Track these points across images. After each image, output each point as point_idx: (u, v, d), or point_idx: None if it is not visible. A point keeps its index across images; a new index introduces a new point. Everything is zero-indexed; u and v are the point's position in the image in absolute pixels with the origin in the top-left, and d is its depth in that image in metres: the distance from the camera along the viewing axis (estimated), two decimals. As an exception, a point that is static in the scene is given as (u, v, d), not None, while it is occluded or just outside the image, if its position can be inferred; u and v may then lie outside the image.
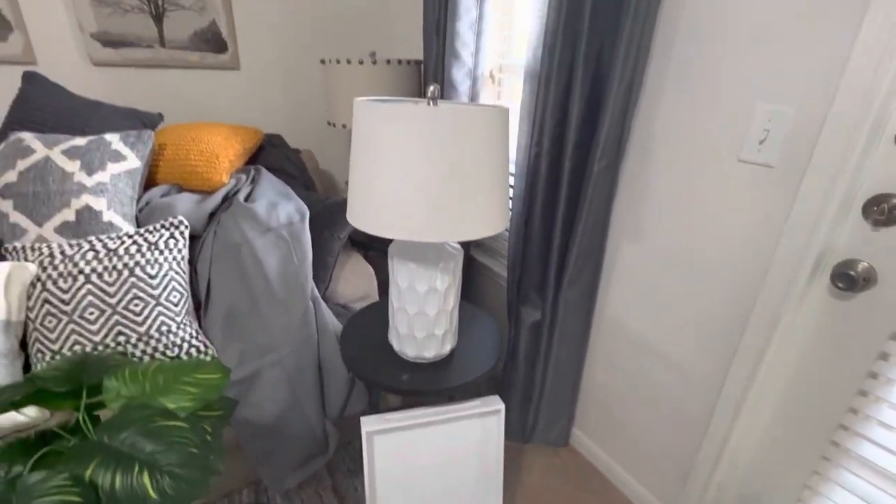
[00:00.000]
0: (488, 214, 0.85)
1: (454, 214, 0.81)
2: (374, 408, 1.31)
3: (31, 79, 1.33)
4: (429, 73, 1.58)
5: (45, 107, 1.29)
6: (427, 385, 0.98)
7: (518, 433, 1.50)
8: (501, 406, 1.05)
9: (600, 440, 1.41)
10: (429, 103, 0.88)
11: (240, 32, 1.76)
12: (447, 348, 1.05)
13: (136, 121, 1.40)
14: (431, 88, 0.86)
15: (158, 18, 1.60)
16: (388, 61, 1.59)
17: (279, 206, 1.26)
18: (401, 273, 0.95)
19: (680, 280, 1.06)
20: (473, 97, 1.49)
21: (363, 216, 0.85)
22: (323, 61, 1.68)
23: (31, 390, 0.53)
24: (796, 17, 0.77)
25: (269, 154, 1.66)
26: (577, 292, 1.21)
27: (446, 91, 1.45)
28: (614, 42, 0.96)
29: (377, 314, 1.24)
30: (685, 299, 1.06)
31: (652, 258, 1.11)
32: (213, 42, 1.71)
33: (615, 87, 0.96)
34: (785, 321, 0.88)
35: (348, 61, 1.58)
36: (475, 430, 1.07)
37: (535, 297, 1.33)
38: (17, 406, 0.53)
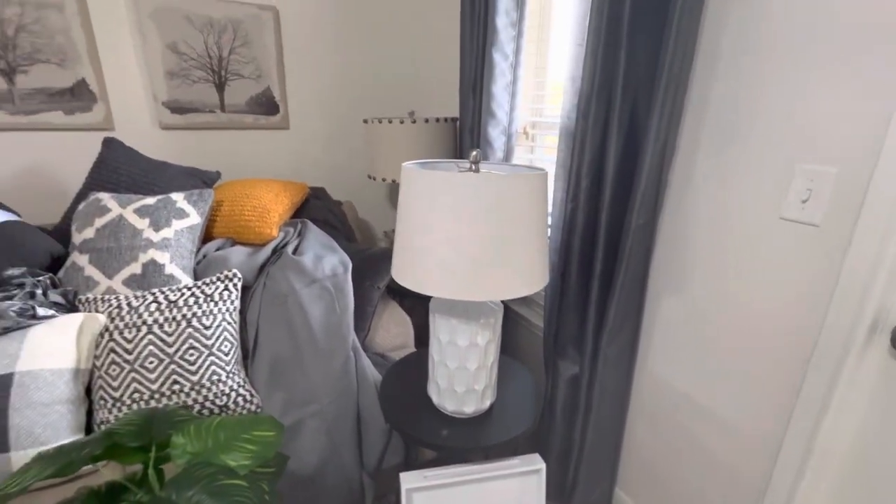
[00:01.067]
0: (528, 274, 0.87)
1: (496, 274, 0.84)
2: (412, 460, 1.30)
3: (109, 144, 1.49)
4: (465, 130, 1.66)
5: (121, 168, 1.44)
6: (467, 442, 0.98)
7: (557, 493, 1.44)
8: (542, 465, 1.02)
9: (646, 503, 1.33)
10: (471, 167, 0.93)
11: (290, 96, 1.92)
12: (486, 403, 1.05)
13: (197, 179, 1.53)
14: (474, 154, 0.92)
15: (221, 87, 1.77)
16: (427, 120, 1.69)
17: (324, 258, 1.33)
18: (442, 328, 0.98)
19: (725, 337, 1.03)
20: (508, 153, 1.55)
21: (408, 274, 0.89)
22: (365, 121, 1.80)
23: (108, 444, 0.57)
24: (835, 77, 0.79)
25: (313, 206, 1.75)
26: (618, 347, 1.19)
27: (482, 147, 1.52)
28: (649, 105, 1.00)
29: (415, 365, 1.26)
30: (732, 357, 1.03)
31: (694, 314, 1.09)
32: (266, 105, 1.87)
33: (650, 148, 0.99)
34: (843, 383, 0.84)
35: (389, 121, 1.68)
36: (515, 489, 1.04)
37: (572, 351, 1.32)
38: (96, 460, 0.57)
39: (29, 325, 1.00)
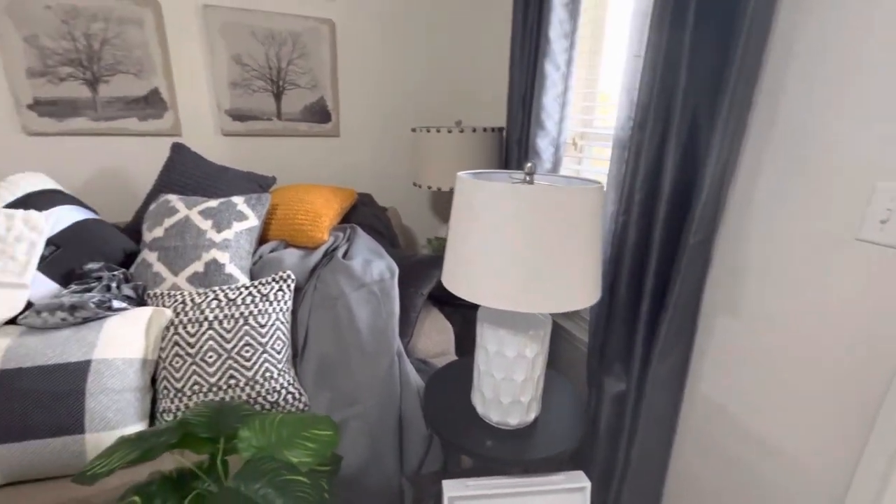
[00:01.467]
0: (582, 288, 0.86)
1: (548, 287, 0.84)
2: (450, 467, 1.30)
3: (177, 149, 1.59)
4: (512, 140, 1.67)
5: (187, 172, 1.53)
6: (511, 454, 0.97)
7: (597, 512, 1.40)
8: (587, 483, 1.00)
9: (692, 532, 1.27)
10: (525, 179, 0.94)
11: (342, 105, 1.99)
12: (531, 416, 1.04)
13: (254, 183, 1.61)
14: (529, 165, 0.92)
15: (278, 96, 1.86)
16: (474, 130, 1.70)
17: (372, 263, 1.36)
18: (490, 338, 0.98)
19: (786, 363, 0.98)
20: (556, 163, 1.54)
21: (459, 282, 0.90)
22: (414, 129, 1.84)
23: (182, 434, 0.61)
24: (918, 100, 0.75)
25: (360, 212, 1.80)
26: (668, 367, 1.15)
27: (530, 157, 1.52)
28: (711, 121, 0.98)
29: (458, 373, 1.26)
30: (794, 384, 0.97)
31: (752, 337, 1.05)
32: (319, 114, 1.95)
33: (711, 164, 0.96)
34: (924, 422, 0.78)
35: (437, 130, 1.71)
36: (557, 506, 1.02)
37: (619, 368, 1.29)
38: (172, 447, 0.61)
39: (105, 317, 1.08)
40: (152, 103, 1.68)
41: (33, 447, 0.94)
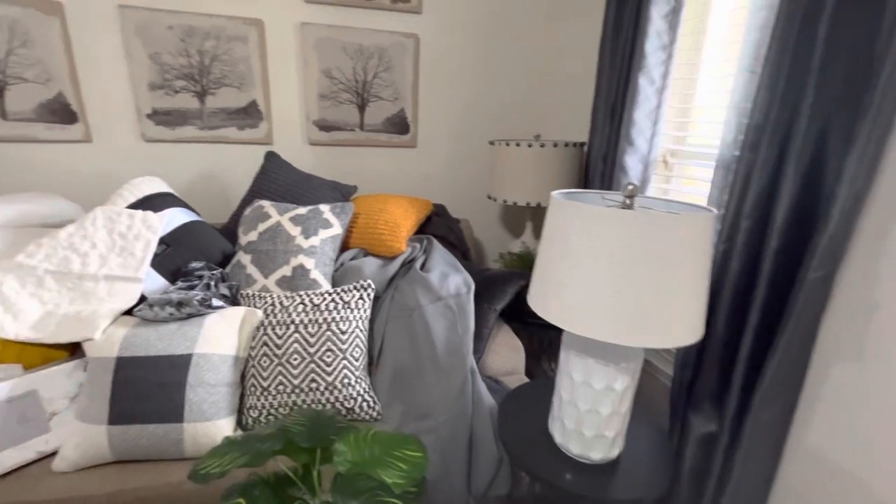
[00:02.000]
0: (685, 323, 0.80)
1: (649, 320, 0.78)
2: (518, 493, 1.26)
3: (270, 157, 1.69)
4: (594, 156, 1.61)
5: (278, 179, 1.62)
6: (592, 490, 0.92)
7: (675, 561, 1.29)
8: (675, 533, 0.92)
9: None
10: (625, 202, 0.89)
11: (420, 117, 2.02)
12: (615, 452, 0.98)
13: (337, 192, 1.67)
14: (630, 187, 0.87)
15: (362, 108, 1.92)
16: (555, 144, 1.66)
17: (449, 276, 1.36)
18: (576, 366, 0.94)
19: (929, 424, 0.85)
20: (644, 182, 1.47)
21: (548, 306, 0.87)
22: (492, 142, 1.83)
23: (285, 441, 0.63)
24: None
25: (434, 223, 1.82)
26: (771, 413, 1.04)
27: (616, 175, 1.45)
28: (845, 145, 0.87)
29: (533, 395, 1.22)
30: (938, 451, 0.84)
31: (878, 388, 0.92)
32: (399, 125, 1.99)
33: (843, 193, 0.85)
34: None
35: (517, 144, 1.69)
36: (639, 552, 0.95)
37: (710, 407, 1.18)
38: (276, 454, 0.63)
39: (206, 313, 1.16)
40: (250, 114, 1.80)
41: (140, 431, 1.03)
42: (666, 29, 1.34)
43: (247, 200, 1.60)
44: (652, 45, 1.34)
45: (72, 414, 1.09)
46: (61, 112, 1.61)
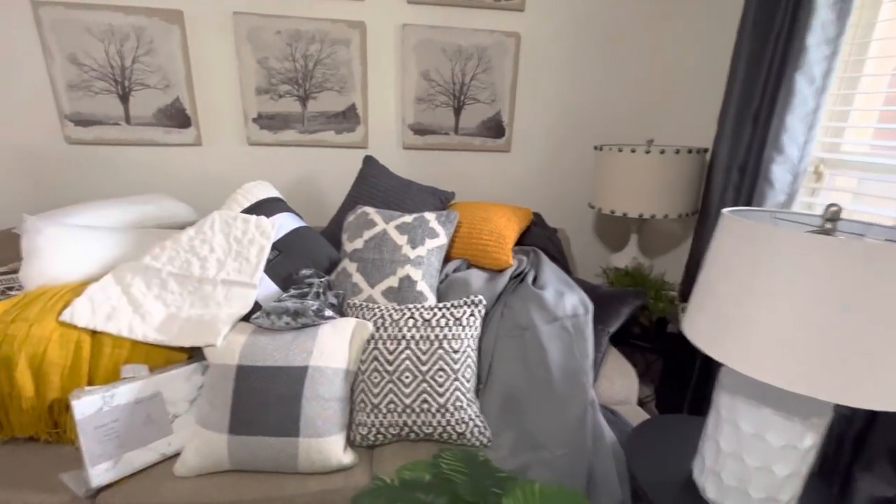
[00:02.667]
0: (919, 380, 0.64)
1: (857, 372, 0.64)
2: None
3: (369, 162, 1.66)
4: (718, 164, 1.44)
5: (378, 184, 1.59)
6: (764, 564, 0.78)
7: None
8: None
9: None
10: (824, 225, 0.74)
11: (516, 120, 1.92)
12: (787, 519, 0.83)
13: (436, 198, 1.61)
14: (833, 208, 0.72)
15: (458, 111, 1.86)
16: (677, 151, 1.50)
17: (565, 295, 1.25)
18: (745, 415, 0.80)
19: None
20: (791, 196, 1.28)
21: (727, 348, 0.74)
22: (597, 147, 1.70)
23: (450, 495, 0.56)
24: None
25: (532, 233, 1.71)
26: None
27: (760, 187, 1.28)
28: None
29: (666, 433, 1.09)
30: None
31: None
32: (495, 129, 1.91)
33: None
34: None
35: (632, 150, 1.55)
36: None
37: (887, 468, 0.99)
38: (440, 507, 0.57)
39: (319, 324, 1.13)
40: (348, 118, 1.79)
41: (259, 442, 1.01)
42: (833, 20, 1.15)
43: (347, 205, 1.58)
44: (815, 39, 1.16)
45: (192, 417, 1.10)
46: (177, 116, 1.68)
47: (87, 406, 0.98)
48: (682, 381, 1.79)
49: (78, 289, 1.16)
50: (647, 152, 1.52)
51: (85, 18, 1.53)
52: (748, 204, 1.34)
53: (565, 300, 1.24)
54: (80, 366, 1.07)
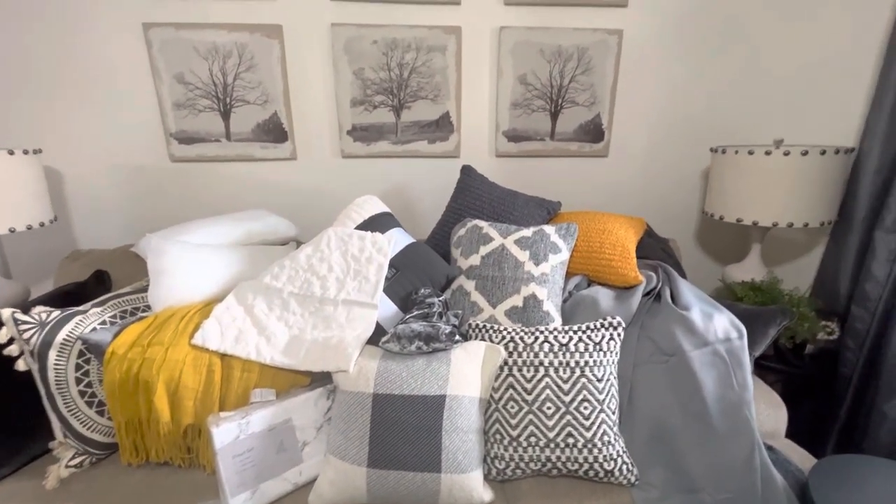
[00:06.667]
0: None
1: None
2: None
3: (467, 171, 1.59)
4: (866, 166, 1.26)
5: (480, 196, 1.51)
6: None
7: None
8: None
9: None
10: None
11: (616, 123, 1.80)
12: None
13: (543, 209, 1.52)
14: None
15: (555, 115, 1.76)
16: (823, 151, 1.34)
17: (713, 316, 1.13)
18: None
19: None
20: None
21: None
22: (714, 149, 1.56)
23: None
24: None
25: (645, 245, 1.58)
26: None
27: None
28: None
29: (847, 475, 0.94)
30: None
31: None
32: (593, 133, 1.80)
33: None
34: None
35: (766, 152, 1.39)
36: None
37: None
38: None
39: (450, 349, 1.06)
40: (442, 126, 1.73)
41: (399, 478, 0.95)
42: None
43: (449, 218, 1.51)
44: None
45: (320, 445, 1.05)
46: (275, 131, 1.67)
47: (225, 434, 0.95)
48: (819, 408, 1.60)
49: (204, 310, 1.14)
50: (786, 154, 1.36)
51: (192, 38, 1.54)
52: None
53: (715, 322, 1.11)
54: (212, 390, 1.04)
